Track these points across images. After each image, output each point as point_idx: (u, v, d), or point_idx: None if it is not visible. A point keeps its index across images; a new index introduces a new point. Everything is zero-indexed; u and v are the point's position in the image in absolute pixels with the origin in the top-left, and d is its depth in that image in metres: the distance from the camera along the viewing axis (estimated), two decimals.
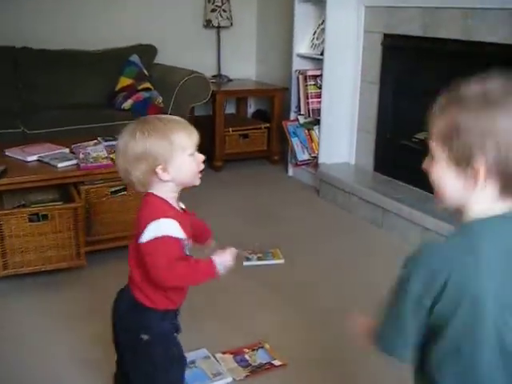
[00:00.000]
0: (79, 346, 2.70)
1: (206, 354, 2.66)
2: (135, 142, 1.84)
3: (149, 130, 1.84)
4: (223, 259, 1.90)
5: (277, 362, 2.66)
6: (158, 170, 1.85)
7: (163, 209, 1.88)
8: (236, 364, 2.63)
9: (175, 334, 2.03)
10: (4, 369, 2.59)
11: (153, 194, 1.91)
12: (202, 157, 1.93)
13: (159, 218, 1.84)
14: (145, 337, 1.92)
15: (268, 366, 2.63)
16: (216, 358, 2.65)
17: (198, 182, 1.96)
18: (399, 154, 4.42)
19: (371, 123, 4.62)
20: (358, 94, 4.74)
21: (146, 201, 1.91)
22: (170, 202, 1.92)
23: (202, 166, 1.94)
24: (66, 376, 2.54)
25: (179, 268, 1.85)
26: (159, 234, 1.82)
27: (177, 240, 1.85)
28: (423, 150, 4.19)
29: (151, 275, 1.86)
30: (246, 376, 2.57)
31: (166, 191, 1.91)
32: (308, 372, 2.62)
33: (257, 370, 2.61)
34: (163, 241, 1.83)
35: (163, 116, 1.97)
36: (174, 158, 1.85)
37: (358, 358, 2.62)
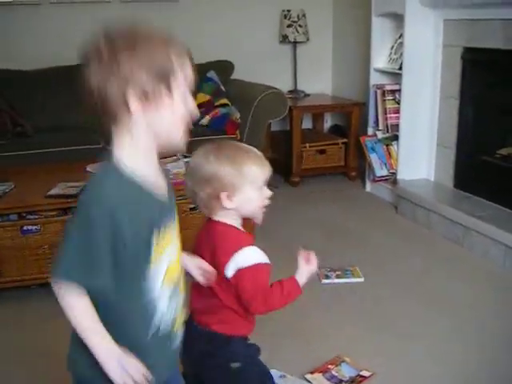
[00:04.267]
0: None
1: (281, 374, 2.64)
2: (207, 164, 1.81)
3: (223, 156, 1.82)
4: (307, 270, 1.90)
5: (365, 373, 2.65)
6: (223, 196, 1.81)
7: (241, 237, 1.87)
8: (328, 382, 2.61)
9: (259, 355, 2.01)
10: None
11: (221, 222, 1.88)
12: (269, 193, 1.89)
13: (242, 246, 1.82)
14: (235, 365, 1.90)
15: (360, 379, 2.62)
16: (306, 379, 2.63)
17: (260, 219, 1.92)
18: (480, 170, 4.31)
19: (451, 138, 4.53)
20: (437, 108, 4.65)
21: (218, 230, 1.87)
22: (239, 228, 1.91)
23: (268, 202, 1.90)
24: None
25: (274, 296, 1.84)
26: (249, 263, 1.80)
27: (266, 265, 1.84)
28: (506, 166, 4.13)
29: (246, 305, 1.85)
30: None
31: (232, 218, 1.88)
32: (397, 379, 2.63)
33: None
34: (254, 270, 1.81)
35: (240, 144, 1.95)
36: (241, 188, 1.82)
37: None
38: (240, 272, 1.80)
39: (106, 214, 1.33)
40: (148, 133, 1.40)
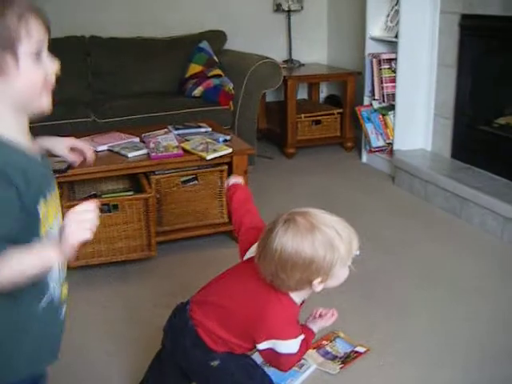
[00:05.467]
0: (146, 338, 2.66)
1: None
2: (301, 251, 1.67)
3: (318, 239, 1.68)
4: (323, 324, 2.03)
5: (360, 349, 2.61)
6: (316, 282, 1.72)
7: (291, 323, 1.79)
8: (322, 358, 2.57)
9: None
10: (70, 357, 2.56)
11: (286, 297, 1.78)
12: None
13: (284, 338, 1.76)
14: (215, 363, 1.85)
15: (355, 355, 2.58)
16: None
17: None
18: (478, 140, 4.23)
19: (449, 108, 4.44)
20: (434, 77, 4.56)
21: (277, 309, 1.76)
22: (298, 302, 1.82)
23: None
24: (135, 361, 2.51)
25: (297, 360, 1.87)
26: (284, 351, 1.77)
27: (296, 353, 1.82)
28: (504, 136, 4.07)
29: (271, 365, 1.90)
30: (341, 368, 2.51)
31: (305, 295, 1.82)
32: (393, 354, 2.58)
33: (346, 360, 2.55)
34: (287, 357, 1.80)
35: (327, 217, 1.81)
36: (337, 272, 1.74)
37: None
38: (273, 352, 1.78)
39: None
40: (7, 104, 1.31)
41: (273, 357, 1.80)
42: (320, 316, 2.04)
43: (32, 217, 1.33)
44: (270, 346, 1.76)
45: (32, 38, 1.29)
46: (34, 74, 1.32)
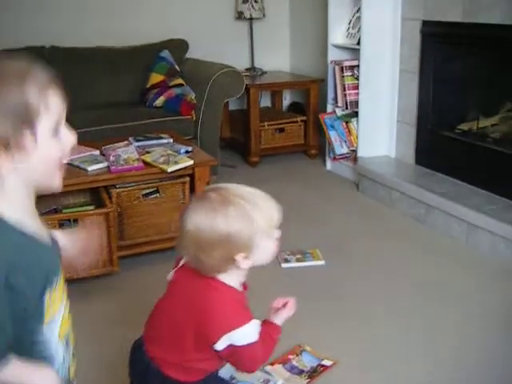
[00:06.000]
0: (109, 355, 2.60)
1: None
2: (215, 226, 1.59)
3: (231, 212, 1.59)
4: (286, 314, 1.85)
5: (327, 362, 2.57)
6: (239, 257, 1.62)
7: (238, 314, 1.67)
8: (289, 373, 2.52)
9: None
10: None
11: (219, 283, 1.68)
12: (279, 233, 1.69)
13: (239, 326, 1.64)
14: None
15: (322, 369, 2.54)
16: (266, 371, 2.51)
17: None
18: (441, 145, 4.23)
19: (411, 114, 4.44)
20: (397, 84, 4.56)
21: (214, 299, 1.66)
22: (237, 287, 1.72)
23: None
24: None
25: (263, 356, 1.75)
26: (243, 343, 1.65)
27: (257, 342, 1.69)
28: (467, 142, 4.08)
29: (236, 368, 1.82)
30: (308, 383, 2.47)
31: (238, 276, 1.71)
32: (361, 369, 2.54)
33: (313, 374, 2.51)
34: (250, 349, 1.67)
35: (240, 190, 1.70)
36: (258, 243, 1.63)
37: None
38: (234, 348, 1.66)
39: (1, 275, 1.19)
40: (20, 181, 1.26)
41: (236, 355, 1.68)
42: (280, 307, 1.87)
43: (38, 305, 1.28)
44: (227, 343, 1.64)
45: (51, 112, 1.23)
46: (52, 150, 1.26)
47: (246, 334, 1.65)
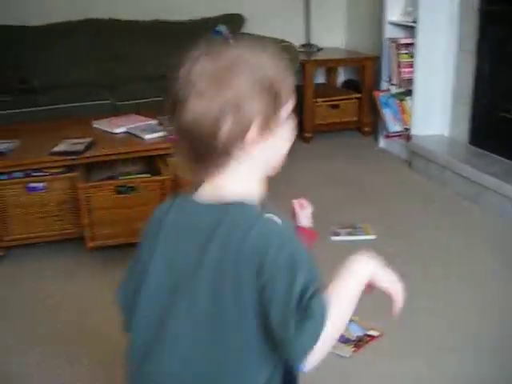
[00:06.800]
0: None
1: None
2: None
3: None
4: (305, 214, 1.71)
5: (374, 333, 2.64)
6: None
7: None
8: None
9: None
10: None
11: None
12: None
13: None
14: None
15: (368, 339, 2.61)
16: None
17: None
18: (497, 126, 4.19)
19: (467, 94, 4.41)
20: (453, 62, 4.53)
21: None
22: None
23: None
24: None
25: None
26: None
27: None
28: None
29: None
30: (354, 351, 2.53)
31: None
32: (405, 339, 2.60)
33: (359, 343, 2.58)
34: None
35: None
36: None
37: None
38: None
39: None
40: (262, 164, 1.23)
41: None
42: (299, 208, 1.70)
43: None
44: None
45: (290, 100, 1.23)
46: (288, 137, 1.25)
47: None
